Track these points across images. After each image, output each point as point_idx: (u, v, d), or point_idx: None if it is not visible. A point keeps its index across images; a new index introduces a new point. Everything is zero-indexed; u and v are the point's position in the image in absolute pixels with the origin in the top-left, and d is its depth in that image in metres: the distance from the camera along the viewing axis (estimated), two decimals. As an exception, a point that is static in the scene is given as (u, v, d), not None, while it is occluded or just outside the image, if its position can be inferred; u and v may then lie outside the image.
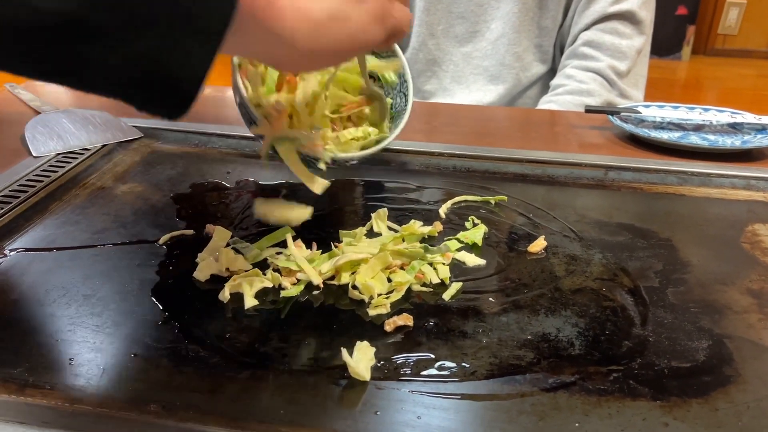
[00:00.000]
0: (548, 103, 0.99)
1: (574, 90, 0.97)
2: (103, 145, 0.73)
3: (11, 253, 0.54)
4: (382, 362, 0.44)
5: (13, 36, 0.32)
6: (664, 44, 2.99)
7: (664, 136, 0.76)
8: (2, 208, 0.60)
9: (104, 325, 0.46)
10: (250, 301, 0.48)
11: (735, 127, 0.78)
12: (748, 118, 0.77)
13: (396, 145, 0.76)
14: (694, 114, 0.79)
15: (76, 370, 0.42)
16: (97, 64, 0.34)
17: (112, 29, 0.33)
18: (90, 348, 0.44)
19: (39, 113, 0.79)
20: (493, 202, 0.65)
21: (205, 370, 0.43)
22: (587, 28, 0.99)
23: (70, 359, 0.43)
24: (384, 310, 0.49)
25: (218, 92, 0.97)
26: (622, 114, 0.79)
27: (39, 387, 0.41)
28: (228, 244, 0.56)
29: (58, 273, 0.52)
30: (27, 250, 0.55)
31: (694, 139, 0.76)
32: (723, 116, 0.78)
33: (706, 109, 0.81)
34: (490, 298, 0.51)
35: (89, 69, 0.34)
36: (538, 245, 0.57)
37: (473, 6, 1.03)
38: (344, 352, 0.43)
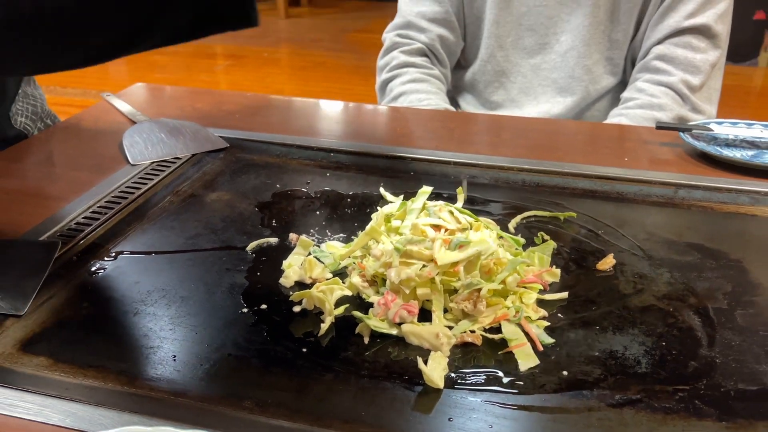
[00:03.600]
0: (618, 116, 0.99)
1: (645, 104, 0.97)
2: (193, 155, 0.79)
3: (117, 256, 0.60)
4: (454, 372, 0.47)
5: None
6: (741, 50, 2.88)
7: (737, 154, 0.76)
8: (107, 213, 0.66)
9: (201, 325, 0.51)
10: (328, 317, 0.52)
11: (812, 146, 0.77)
12: (826, 137, 0.76)
13: (465, 159, 0.79)
14: (769, 132, 0.79)
15: (179, 367, 0.47)
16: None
17: None
18: (190, 346, 0.49)
19: (134, 122, 0.85)
20: (562, 218, 0.67)
21: (293, 371, 0.47)
22: (660, 42, 0.98)
23: (174, 356, 0.48)
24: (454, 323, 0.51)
25: (298, 105, 1.01)
26: (694, 131, 0.79)
27: (148, 380, 0.45)
28: (309, 253, 0.60)
29: (158, 275, 0.57)
30: (131, 253, 0.60)
31: (769, 159, 0.75)
32: (800, 135, 0.78)
33: (782, 127, 0.80)
34: (559, 314, 0.53)
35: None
36: (607, 263, 0.59)
37: (543, 19, 1.04)
38: (419, 360, 0.46)
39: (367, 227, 0.59)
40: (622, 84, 1.07)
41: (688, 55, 0.97)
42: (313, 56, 3.60)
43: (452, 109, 1.09)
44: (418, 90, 1.08)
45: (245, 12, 0.43)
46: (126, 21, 0.44)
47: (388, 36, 1.13)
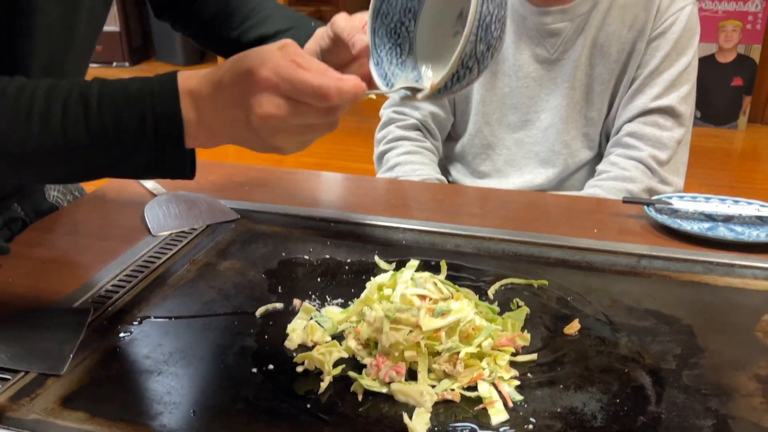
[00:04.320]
0: (593, 187, 1.09)
1: (617, 176, 1.07)
2: (208, 225, 0.88)
3: (142, 321, 0.68)
4: (436, 426, 0.54)
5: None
6: (721, 113, 3.04)
7: (695, 227, 0.85)
8: (132, 281, 0.74)
9: (216, 383, 0.59)
10: (327, 376, 0.59)
11: (762, 219, 0.86)
12: (774, 211, 0.85)
13: (452, 229, 0.87)
14: (724, 206, 0.88)
15: (197, 420, 0.54)
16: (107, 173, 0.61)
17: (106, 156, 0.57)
18: (206, 402, 0.57)
19: (154, 195, 0.95)
20: (536, 285, 0.75)
21: (296, 424, 0.54)
22: (630, 120, 1.09)
23: (193, 411, 0.55)
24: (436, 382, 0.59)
25: (301, 177, 1.11)
26: (657, 205, 0.88)
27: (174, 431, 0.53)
28: (311, 318, 0.68)
29: (178, 338, 0.65)
30: (154, 318, 0.68)
31: (722, 231, 0.84)
32: (750, 209, 0.86)
33: (735, 201, 0.89)
34: (529, 374, 0.61)
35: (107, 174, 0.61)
36: (573, 327, 0.67)
37: (525, 99, 1.15)
38: (405, 415, 0.54)
39: (362, 295, 0.67)
40: (599, 157, 1.16)
41: (656, 133, 1.07)
42: (316, 116, 3.72)
43: (443, 178, 1.18)
44: (412, 161, 1.18)
45: (184, 171, 0.58)
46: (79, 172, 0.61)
47: (386, 112, 1.23)
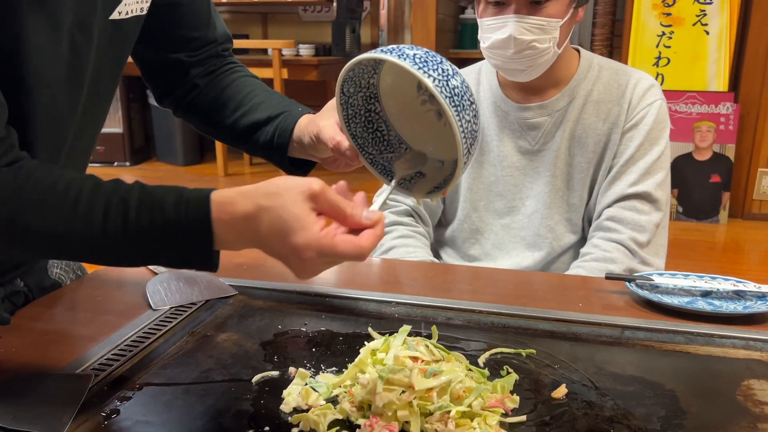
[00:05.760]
0: (577, 268, 1.13)
1: (599, 258, 1.11)
2: (207, 300, 0.91)
3: (141, 387, 0.70)
4: (428, 481, 0.55)
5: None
6: (702, 208, 3.15)
7: (675, 301, 0.88)
8: (132, 351, 0.76)
9: (213, 444, 0.60)
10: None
11: (739, 294, 0.90)
12: (749, 286, 0.89)
13: (443, 303, 0.91)
14: (702, 282, 0.92)
15: (195, 476, 0.55)
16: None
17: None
18: (204, 461, 0.58)
19: (156, 273, 0.98)
20: (524, 354, 0.78)
21: (291, 481, 0.55)
22: (610, 205, 1.15)
23: (191, 468, 0.57)
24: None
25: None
26: (638, 281, 0.92)
27: (170, 487, 0.54)
28: (306, 383, 0.70)
29: (177, 404, 0.67)
30: (153, 384, 0.70)
31: (701, 305, 0.88)
32: (727, 284, 0.91)
33: (713, 278, 0.93)
34: (518, 435, 0.62)
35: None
36: (560, 392, 0.69)
37: (510, 186, 1.21)
38: (399, 471, 0.55)
39: (356, 360, 0.69)
40: (583, 240, 1.22)
41: (635, 217, 1.13)
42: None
43: (436, 260, 1.23)
44: (406, 244, 1.23)
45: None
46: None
47: (378, 199, 1.29)
